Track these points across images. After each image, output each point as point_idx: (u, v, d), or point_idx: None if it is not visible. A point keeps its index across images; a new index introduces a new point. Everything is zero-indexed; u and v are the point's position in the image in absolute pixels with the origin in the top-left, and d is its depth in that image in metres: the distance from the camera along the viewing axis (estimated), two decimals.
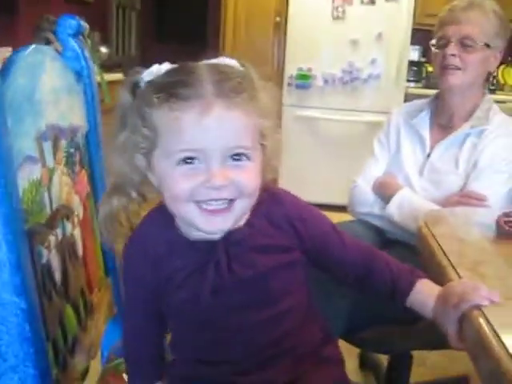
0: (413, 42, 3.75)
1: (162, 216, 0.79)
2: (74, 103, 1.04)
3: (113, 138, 0.78)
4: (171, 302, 0.81)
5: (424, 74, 4.06)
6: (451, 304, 0.76)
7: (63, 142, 0.96)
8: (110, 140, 0.79)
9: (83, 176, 1.07)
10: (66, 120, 0.98)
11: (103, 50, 3.90)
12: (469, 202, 1.36)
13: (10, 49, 2.10)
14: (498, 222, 1.09)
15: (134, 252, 0.82)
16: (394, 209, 1.45)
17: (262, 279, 0.79)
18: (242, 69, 0.76)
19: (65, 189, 0.95)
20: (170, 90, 0.71)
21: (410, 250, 1.24)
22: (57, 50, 1.03)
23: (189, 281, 0.78)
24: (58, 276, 0.89)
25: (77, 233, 1.00)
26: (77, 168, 1.03)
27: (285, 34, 3.86)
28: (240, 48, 3.97)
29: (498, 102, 1.56)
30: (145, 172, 0.77)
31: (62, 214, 0.93)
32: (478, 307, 0.73)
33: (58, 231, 0.91)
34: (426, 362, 1.99)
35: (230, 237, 0.77)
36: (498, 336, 0.67)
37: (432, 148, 1.52)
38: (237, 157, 0.72)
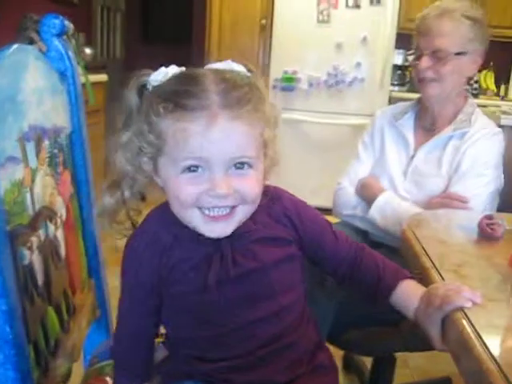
0: (397, 46, 3.79)
1: (167, 213, 0.80)
2: (57, 104, 1.03)
3: (115, 136, 0.80)
4: (174, 293, 0.81)
5: (408, 78, 4.10)
6: (434, 306, 0.76)
7: (46, 143, 0.95)
8: (111, 137, 0.81)
9: (67, 177, 1.06)
10: (49, 120, 0.97)
11: (87, 50, 3.87)
12: (451, 204, 1.37)
13: None
14: (480, 225, 1.10)
15: (139, 245, 0.82)
16: (376, 213, 1.46)
17: (264, 271, 0.81)
18: (248, 74, 0.78)
19: (48, 190, 0.95)
20: (177, 100, 0.72)
21: (394, 253, 1.25)
22: (40, 50, 1.02)
23: (194, 272, 0.79)
24: (40, 278, 0.88)
25: (60, 234, 0.99)
26: (60, 169, 1.02)
27: (270, 36, 3.87)
28: (225, 50, 3.97)
29: (479, 106, 1.57)
30: (151, 174, 0.79)
31: (45, 215, 0.92)
32: (461, 309, 0.74)
33: (41, 232, 0.90)
34: (408, 364, 2.01)
35: (234, 230, 0.79)
36: (480, 337, 0.68)
37: (416, 150, 1.53)
38: (240, 165, 0.74)
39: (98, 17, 5.12)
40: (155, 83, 0.77)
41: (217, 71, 0.76)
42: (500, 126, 1.67)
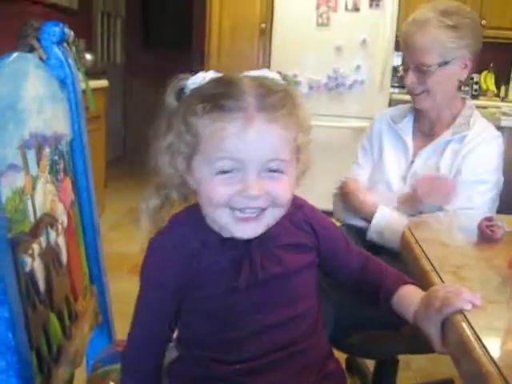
0: (397, 49, 3.79)
1: (193, 216, 0.82)
2: (57, 111, 1.03)
3: (157, 140, 0.81)
4: (200, 297, 0.81)
5: None
6: (434, 308, 0.76)
7: (47, 150, 0.96)
8: (154, 141, 0.83)
9: (67, 184, 1.07)
10: (49, 128, 0.97)
11: (88, 56, 3.88)
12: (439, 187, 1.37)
13: None
14: (479, 227, 1.11)
15: (166, 247, 0.82)
16: (374, 235, 1.46)
17: (287, 277, 0.83)
18: (283, 82, 0.80)
19: (49, 197, 0.95)
20: (215, 100, 0.74)
21: (394, 256, 1.25)
22: (40, 58, 1.02)
23: (223, 276, 0.80)
24: (42, 284, 0.88)
25: (61, 241, 1.00)
26: (61, 176, 1.03)
27: (270, 40, 3.88)
28: (225, 54, 3.98)
29: (479, 107, 1.57)
30: (183, 174, 0.80)
31: (46, 222, 0.93)
32: (461, 311, 0.74)
33: (42, 239, 0.90)
34: (411, 366, 2.01)
35: (261, 235, 0.80)
36: (479, 339, 0.68)
37: (415, 155, 1.52)
38: (273, 168, 0.75)
39: (98, 23, 5.14)
40: (193, 86, 0.79)
41: (253, 77, 0.78)
42: (500, 128, 1.68)
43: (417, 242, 1.05)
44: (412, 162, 1.52)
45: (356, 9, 3.71)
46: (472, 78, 4.11)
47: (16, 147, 0.82)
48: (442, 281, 0.87)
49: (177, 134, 0.78)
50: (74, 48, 1.12)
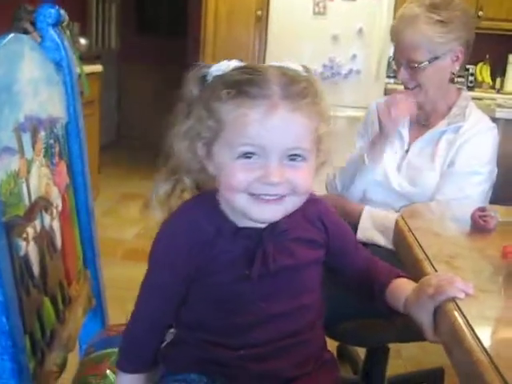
0: None
1: (206, 203, 0.82)
2: (53, 94, 1.03)
3: (176, 125, 0.82)
4: (211, 283, 0.82)
5: None
6: (427, 294, 0.77)
7: (42, 134, 0.95)
8: (172, 126, 0.83)
9: (62, 167, 1.06)
10: (45, 111, 0.97)
11: (82, 41, 3.85)
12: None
13: None
14: (472, 217, 1.11)
15: (179, 230, 0.83)
16: (361, 235, 1.45)
17: (297, 270, 0.84)
18: (305, 74, 0.81)
19: (44, 180, 0.95)
20: (240, 87, 0.75)
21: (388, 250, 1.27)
22: (35, 41, 1.01)
23: (235, 264, 0.81)
24: (36, 268, 0.88)
25: (56, 225, 0.99)
26: (56, 159, 1.02)
27: (266, 28, 3.85)
28: (221, 41, 3.95)
29: (475, 99, 1.58)
30: (202, 160, 0.81)
31: (41, 205, 0.92)
32: (453, 300, 0.75)
33: (37, 223, 0.90)
34: (402, 354, 2.03)
35: (274, 226, 0.81)
36: (471, 328, 0.69)
37: (410, 145, 1.52)
38: (293, 157, 0.76)
39: (93, 7, 5.09)
40: (217, 73, 0.80)
41: (277, 66, 0.79)
42: (495, 119, 1.68)
43: (410, 230, 1.06)
44: (407, 151, 1.52)
45: None
46: (467, 70, 4.11)
47: (11, 130, 0.82)
48: (435, 270, 0.87)
49: (198, 119, 0.79)
50: (68, 32, 1.11)
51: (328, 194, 1.59)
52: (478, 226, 1.09)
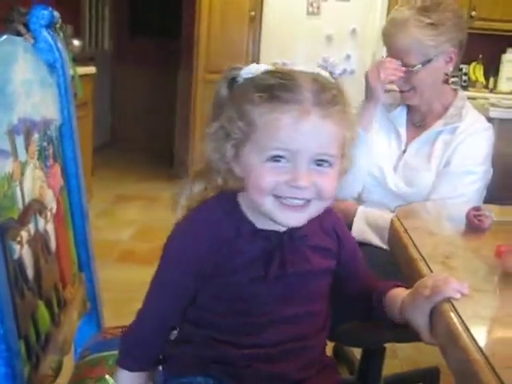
0: None
1: (228, 202, 0.84)
2: (46, 96, 1.02)
3: (206, 126, 0.84)
4: (227, 282, 0.82)
5: None
6: (423, 296, 0.77)
7: (36, 136, 0.95)
8: (203, 127, 0.85)
9: (56, 170, 1.06)
10: (38, 113, 0.96)
11: (75, 42, 3.84)
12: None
13: None
14: (467, 216, 1.11)
15: (197, 226, 0.83)
16: (356, 234, 1.46)
17: (312, 276, 0.86)
18: (333, 81, 0.82)
19: (38, 183, 0.94)
20: (272, 91, 0.76)
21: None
22: (28, 42, 1.01)
23: (252, 265, 0.82)
24: (30, 272, 0.88)
25: (50, 228, 0.99)
26: (50, 162, 1.02)
27: (259, 28, 3.85)
28: (215, 41, 3.95)
29: (469, 98, 1.57)
30: (230, 162, 0.81)
31: (35, 208, 0.92)
32: (448, 300, 0.75)
33: (31, 226, 0.90)
34: (397, 354, 2.03)
35: (293, 231, 0.82)
36: (466, 328, 0.69)
37: (407, 145, 1.52)
38: (320, 162, 0.78)
39: (86, 8, 5.08)
40: (247, 76, 0.81)
41: (308, 72, 0.80)
42: (489, 119, 1.68)
43: (405, 230, 1.06)
44: (404, 151, 1.52)
45: None
46: (461, 70, 4.12)
47: (4, 132, 0.81)
48: (431, 270, 0.87)
49: (228, 120, 0.80)
50: (61, 33, 1.10)
51: None
52: (473, 225, 1.10)
